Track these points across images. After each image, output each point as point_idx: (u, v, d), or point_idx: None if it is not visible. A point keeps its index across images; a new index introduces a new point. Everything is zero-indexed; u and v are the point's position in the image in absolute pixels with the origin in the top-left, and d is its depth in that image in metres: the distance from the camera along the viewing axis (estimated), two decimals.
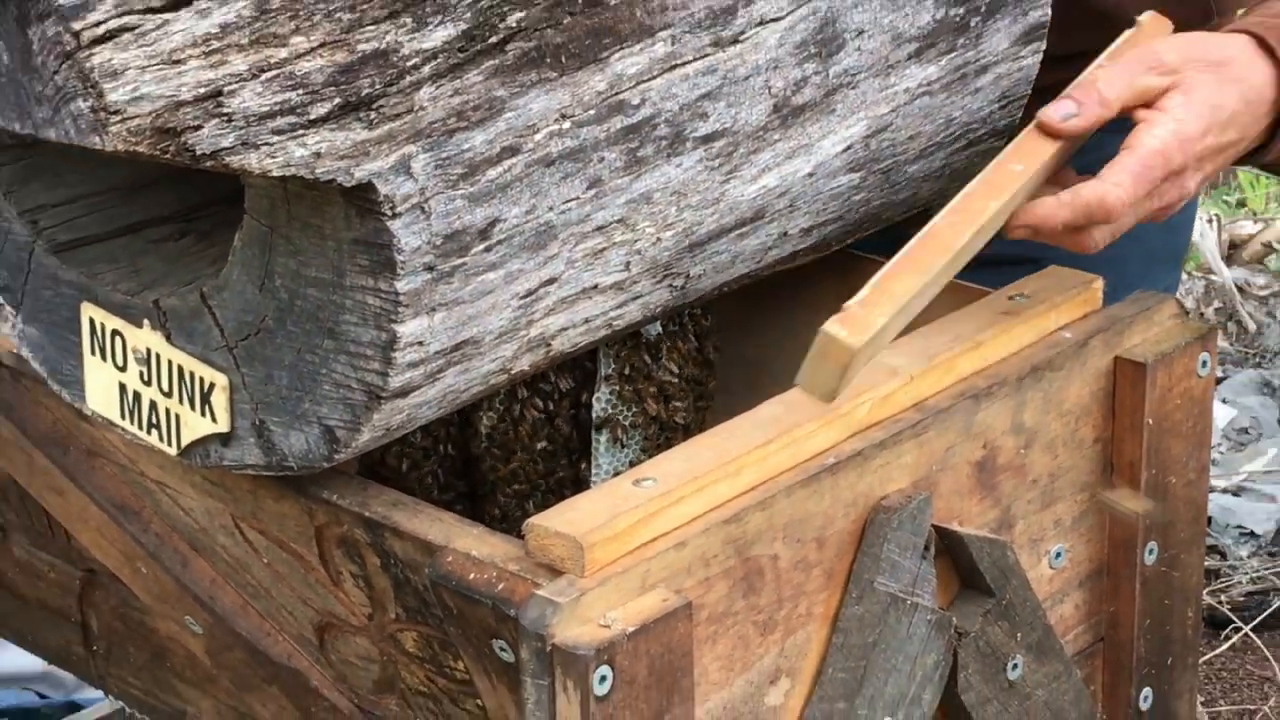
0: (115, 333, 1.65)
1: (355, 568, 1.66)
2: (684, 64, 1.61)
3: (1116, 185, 1.72)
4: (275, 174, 1.41)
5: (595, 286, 1.62)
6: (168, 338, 1.62)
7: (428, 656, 1.67)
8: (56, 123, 1.38)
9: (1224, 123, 1.79)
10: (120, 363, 1.66)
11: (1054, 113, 1.73)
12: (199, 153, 1.38)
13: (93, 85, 1.35)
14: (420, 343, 1.51)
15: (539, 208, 1.54)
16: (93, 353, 1.68)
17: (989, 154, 1.90)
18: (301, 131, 1.41)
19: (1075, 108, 1.74)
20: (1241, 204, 4.73)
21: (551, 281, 1.59)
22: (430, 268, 1.49)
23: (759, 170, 1.69)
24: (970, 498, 1.74)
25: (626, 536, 1.53)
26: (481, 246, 1.52)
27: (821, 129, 1.72)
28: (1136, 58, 1.78)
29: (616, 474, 1.84)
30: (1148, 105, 1.77)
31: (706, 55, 1.62)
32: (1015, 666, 1.77)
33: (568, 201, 1.56)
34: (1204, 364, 1.85)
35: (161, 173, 1.77)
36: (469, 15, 1.48)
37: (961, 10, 1.79)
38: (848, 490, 1.65)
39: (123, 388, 1.67)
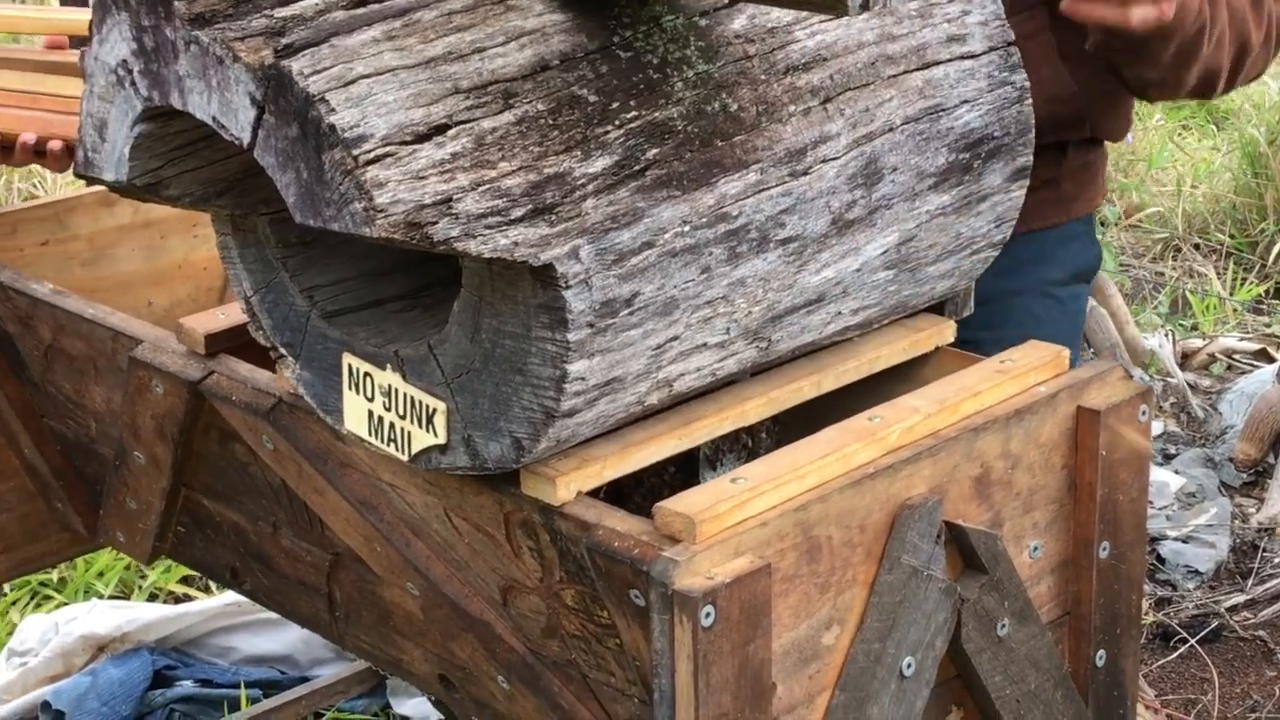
0: (367, 374, 1.75)
1: (531, 543, 1.76)
2: (769, 188, 1.69)
3: None
4: (486, 256, 1.53)
5: (705, 344, 1.70)
6: (404, 377, 1.72)
7: (581, 608, 1.75)
8: (339, 219, 1.51)
9: None
10: (370, 395, 1.76)
11: None
12: (435, 240, 1.50)
13: (365, 193, 1.49)
14: (583, 378, 1.61)
15: (666, 286, 1.63)
16: (350, 389, 1.78)
17: (987, 261, 2.03)
18: (505, 227, 1.53)
19: None
20: (1194, 327, 4.78)
21: (674, 339, 1.67)
22: (591, 324, 1.59)
23: (821, 265, 1.76)
24: (971, 503, 1.81)
25: (725, 517, 1.62)
26: (626, 311, 1.61)
27: (866, 237, 1.79)
28: None
29: None
30: None
31: (785, 182, 1.70)
32: (1004, 626, 1.82)
33: (686, 282, 1.65)
34: (1143, 413, 1.90)
35: (397, 262, 1.86)
36: (620, 150, 1.60)
37: (967, 155, 1.85)
38: (883, 492, 1.72)
39: (370, 413, 1.76)
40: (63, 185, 4.94)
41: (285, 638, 3.36)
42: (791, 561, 1.67)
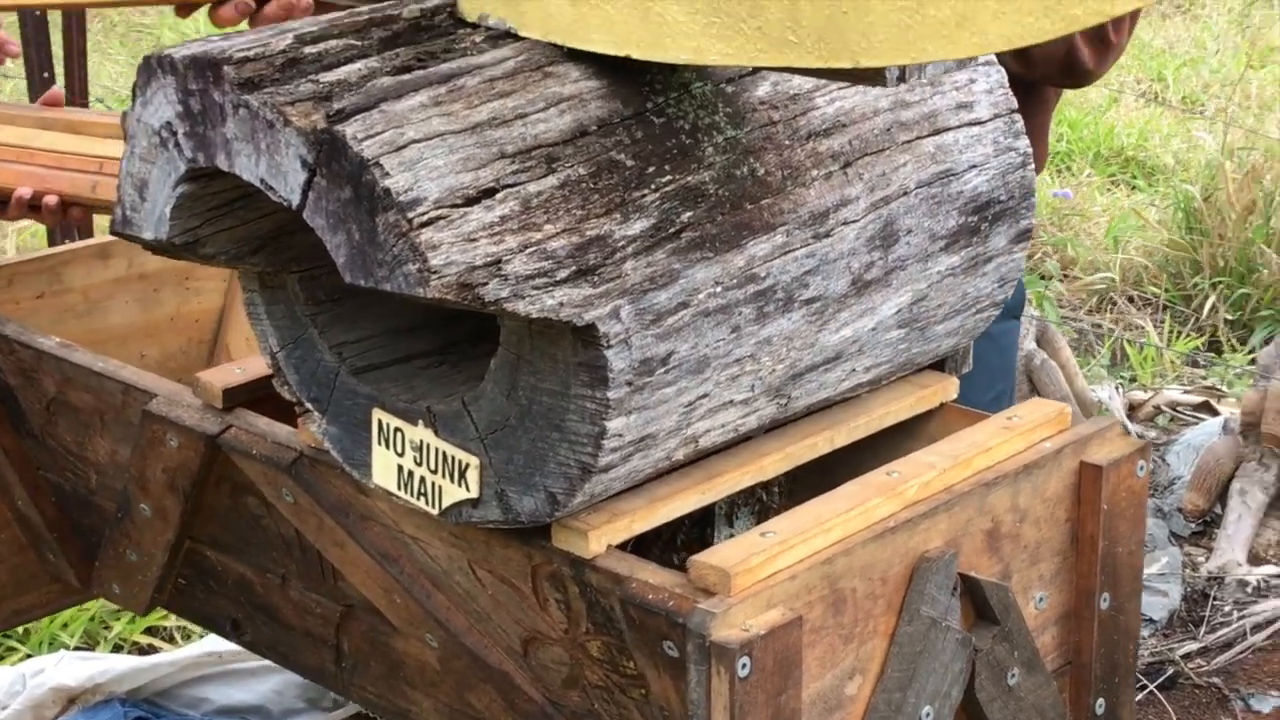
0: (397, 429, 1.78)
1: (559, 595, 1.78)
2: (794, 250, 1.73)
3: None
4: (534, 316, 1.57)
5: (731, 401, 1.75)
6: (435, 433, 1.75)
7: (606, 659, 1.78)
8: (392, 279, 1.54)
9: None
10: (400, 450, 1.78)
11: None
12: (486, 300, 1.54)
13: (420, 255, 1.52)
14: (620, 435, 1.65)
15: (699, 345, 1.67)
16: (379, 443, 1.80)
17: (989, 320, 2.08)
18: (551, 288, 1.57)
19: None
20: (1133, 379, 4.86)
21: (704, 396, 1.71)
22: (630, 383, 1.63)
23: (840, 325, 1.81)
24: (982, 555, 1.85)
25: (757, 570, 1.66)
26: (662, 370, 1.65)
27: (882, 297, 1.84)
28: None
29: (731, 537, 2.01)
30: None
31: (809, 244, 1.75)
32: (1014, 676, 1.87)
33: (718, 340, 1.69)
34: (1141, 468, 1.95)
35: (423, 320, 1.90)
36: (656, 214, 1.65)
37: (975, 219, 1.91)
38: (902, 545, 1.77)
39: (400, 468, 1.79)
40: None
41: (258, 688, 3.36)
42: (819, 613, 1.71)
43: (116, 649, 3.72)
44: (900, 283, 1.87)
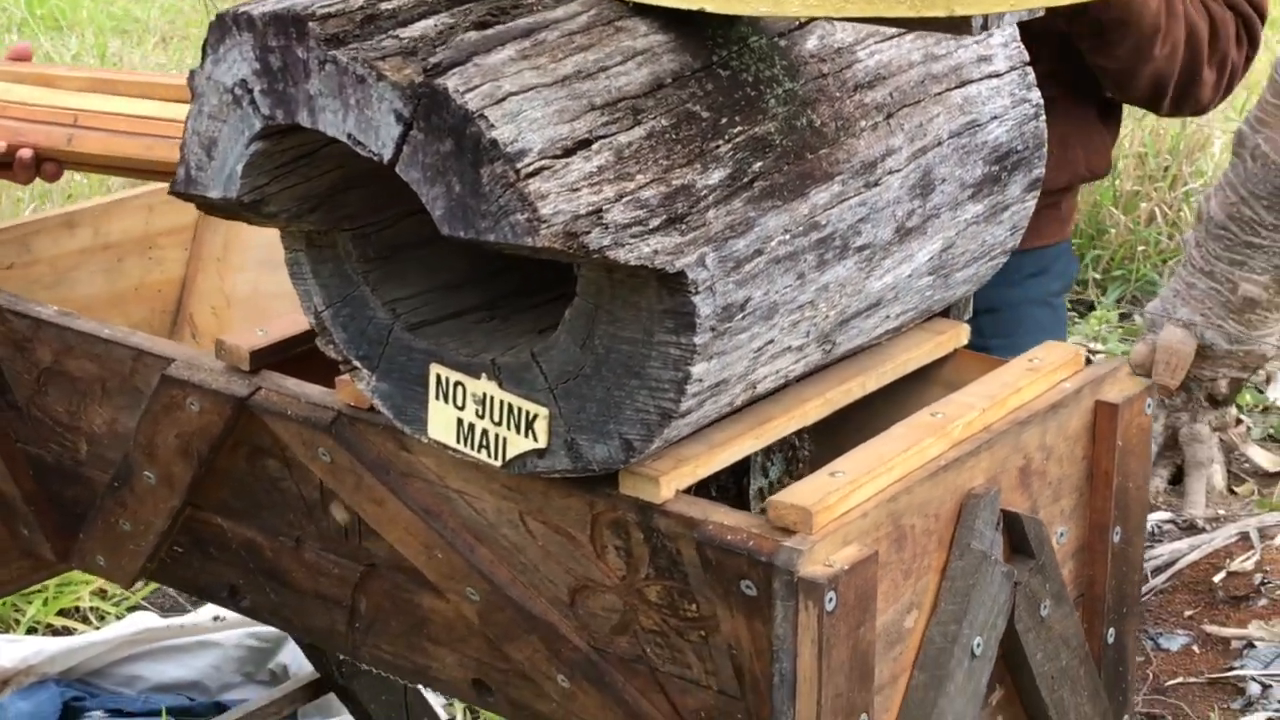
0: (458, 383, 1.80)
1: (620, 541, 1.81)
2: (849, 198, 1.78)
3: None
4: (632, 263, 1.60)
5: (789, 347, 1.79)
6: (500, 385, 1.78)
7: (665, 603, 1.81)
8: (497, 230, 1.56)
9: None
10: (460, 404, 1.80)
11: None
12: (590, 249, 1.57)
13: (529, 204, 1.55)
14: (700, 380, 1.68)
15: (770, 291, 1.72)
16: (436, 398, 1.82)
17: (998, 267, 2.14)
18: (647, 235, 1.60)
19: None
20: None
21: (770, 342, 1.75)
22: (713, 329, 1.66)
23: (884, 272, 1.86)
24: (1016, 492, 1.91)
25: (834, 508, 1.71)
26: (740, 315, 1.69)
27: (919, 245, 1.89)
28: None
29: (770, 483, 2.06)
30: None
31: (860, 193, 1.79)
32: (1045, 607, 1.93)
33: (785, 287, 1.73)
34: (1149, 406, 2.04)
35: (467, 276, 1.92)
36: (731, 164, 1.68)
37: (997, 168, 1.97)
38: (952, 482, 1.83)
39: (459, 421, 1.80)
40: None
41: (194, 664, 3.34)
42: (885, 550, 1.77)
43: (31, 632, 3.67)
44: (934, 230, 1.93)
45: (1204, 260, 3.71)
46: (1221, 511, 4.05)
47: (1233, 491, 4.18)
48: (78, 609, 3.73)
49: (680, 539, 1.77)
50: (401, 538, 2.00)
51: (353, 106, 1.62)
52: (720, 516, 1.75)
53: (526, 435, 1.78)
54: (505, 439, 1.80)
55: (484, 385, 1.80)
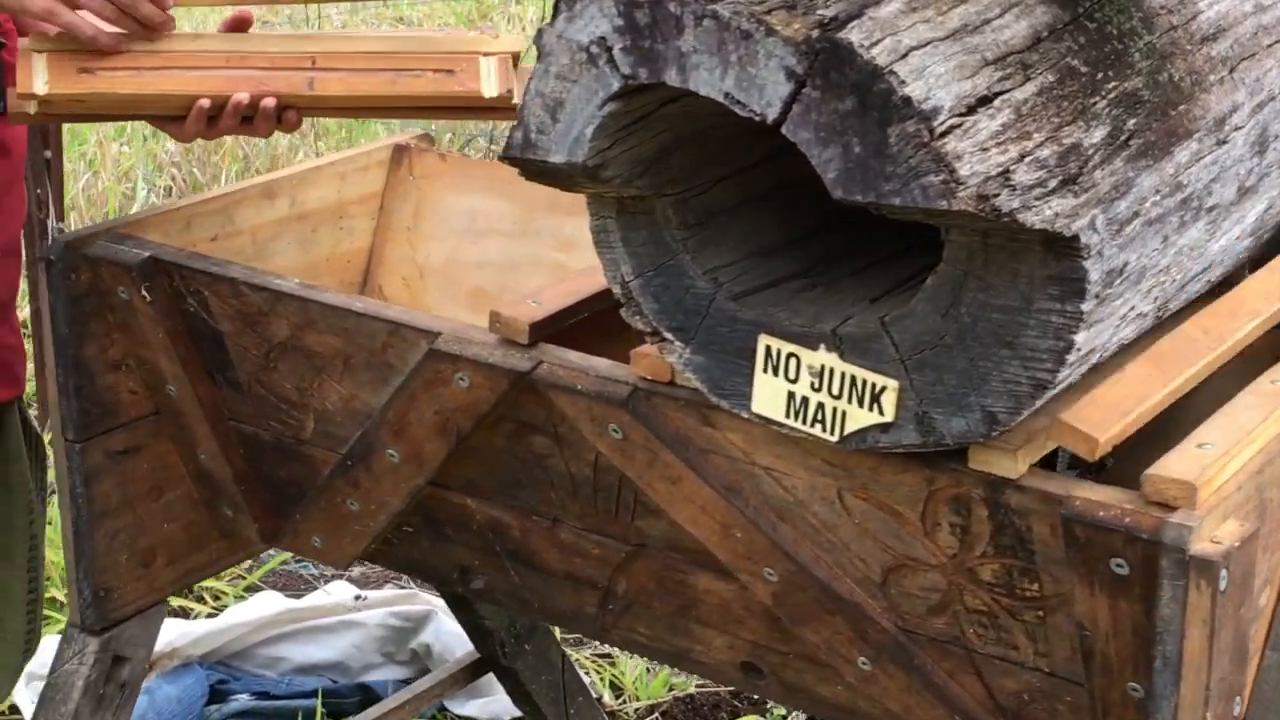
0: (791, 355, 1.71)
1: (957, 519, 1.74)
2: (1204, 157, 1.70)
3: None
4: (1036, 227, 1.52)
5: (1141, 314, 1.71)
6: (841, 356, 1.70)
7: (1001, 582, 1.74)
8: (904, 192, 1.48)
9: None
10: (792, 377, 1.72)
11: None
12: (1001, 212, 1.48)
13: (946, 165, 1.46)
14: (1079, 349, 1.60)
15: (1142, 255, 1.63)
16: (764, 370, 1.73)
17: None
18: (1048, 197, 1.51)
19: None
20: None
21: (1132, 309, 1.67)
22: (1097, 295, 1.58)
23: (1222, 234, 1.78)
24: None
25: (1212, 482, 1.63)
26: (1119, 281, 1.61)
27: (1250, 205, 1.82)
28: None
29: None
30: None
31: (1213, 151, 1.72)
32: None
33: (1153, 251, 1.65)
34: None
35: (779, 241, 1.85)
36: (1109, 122, 1.59)
37: None
38: None
39: (791, 395, 1.72)
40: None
41: (336, 644, 3.25)
42: (1252, 523, 1.69)
43: None
44: (1264, 190, 1.86)
45: None
46: None
47: None
48: (192, 589, 3.62)
49: (1033, 515, 1.70)
50: (695, 516, 1.92)
51: (733, 64, 1.53)
52: (1085, 492, 1.67)
53: (871, 409, 1.70)
54: (845, 413, 1.72)
55: (822, 356, 1.71)
